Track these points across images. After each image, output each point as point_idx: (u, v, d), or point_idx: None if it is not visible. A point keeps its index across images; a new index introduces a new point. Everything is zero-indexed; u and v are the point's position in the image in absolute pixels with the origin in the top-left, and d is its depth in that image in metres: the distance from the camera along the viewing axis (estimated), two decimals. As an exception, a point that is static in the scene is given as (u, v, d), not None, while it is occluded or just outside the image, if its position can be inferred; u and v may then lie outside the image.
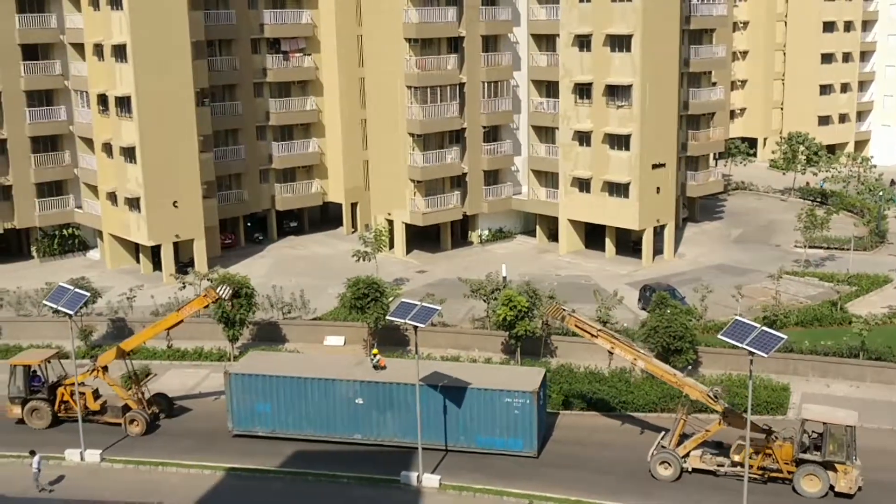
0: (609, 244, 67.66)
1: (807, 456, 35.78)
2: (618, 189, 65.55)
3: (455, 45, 67.65)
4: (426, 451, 38.82)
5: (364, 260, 60.21)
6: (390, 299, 49.24)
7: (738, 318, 35.19)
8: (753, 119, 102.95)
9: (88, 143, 66.87)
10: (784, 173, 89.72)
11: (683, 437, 38.02)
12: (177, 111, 61.96)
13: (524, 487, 37.13)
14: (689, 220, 76.72)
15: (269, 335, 52.60)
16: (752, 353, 32.91)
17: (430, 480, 37.26)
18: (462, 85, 67.75)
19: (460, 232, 72.15)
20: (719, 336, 34.71)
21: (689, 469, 37.49)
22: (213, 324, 50.68)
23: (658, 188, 65.58)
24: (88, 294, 42.03)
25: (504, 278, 55.56)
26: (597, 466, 38.58)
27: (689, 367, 45.93)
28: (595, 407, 43.47)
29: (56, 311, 41.27)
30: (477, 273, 57.42)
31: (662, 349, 44.90)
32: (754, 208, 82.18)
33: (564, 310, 39.65)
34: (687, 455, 37.43)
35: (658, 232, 67.05)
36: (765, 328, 33.45)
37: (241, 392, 41.14)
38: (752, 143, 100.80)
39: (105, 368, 42.46)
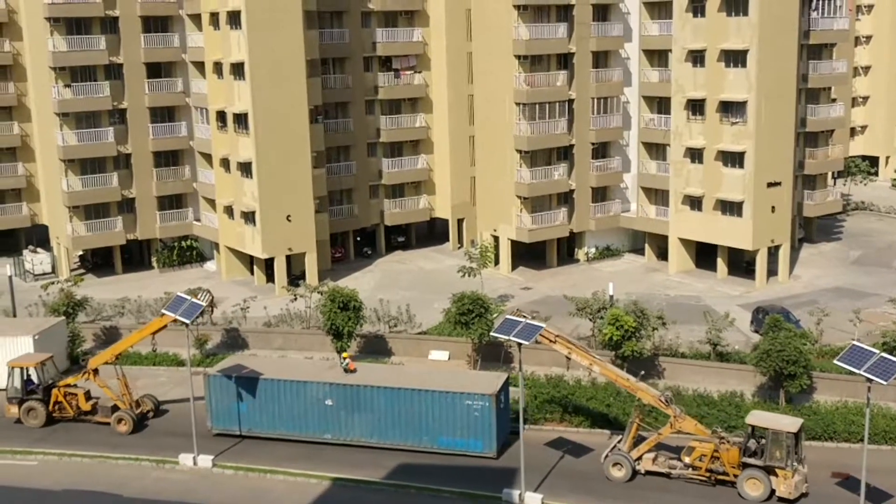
0: (721, 264, 66.19)
1: (750, 460, 36.87)
2: (731, 207, 64.14)
3: (565, 61, 67.52)
4: (398, 451, 40.77)
5: (469, 276, 60.44)
6: (495, 315, 49.28)
7: (855, 343, 34.09)
8: (875, 136, 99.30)
9: (207, 158, 69.26)
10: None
11: (643, 439, 38.93)
12: (292, 128, 63.63)
13: (628, 510, 36.70)
14: (805, 240, 74.42)
15: (376, 348, 53.32)
16: (869, 380, 31.95)
17: (533, 499, 37.05)
18: (571, 101, 67.51)
19: (566, 249, 71.72)
20: (835, 361, 34.08)
21: (643, 471, 38.59)
22: (323, 335, 51.69)
23: (773, 207, 63.88)
24: (204, 304, 43.34)
25: (611, 297, 55.00)
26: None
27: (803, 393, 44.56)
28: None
29: (174, 320, 42.72)
30: (583, 291, 56.96)
31: (775, 373, 43.61)
32: (875, 229, 79.17)
33: (525, 315, 39.58)
34: (640, 457, 38.49)
35: (772, 252, 65.26)
36: (884, 354, 32.47)
37: (219, 393, 42.88)
38: (873, 161, 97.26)
39: (96, 371, 44.25)
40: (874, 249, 73.19)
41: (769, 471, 36.50)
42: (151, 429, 44.69)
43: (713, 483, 37.80)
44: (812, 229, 75.51)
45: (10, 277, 60.33)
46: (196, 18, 67.56)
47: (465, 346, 50.80)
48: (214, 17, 65.12)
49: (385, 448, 41.54)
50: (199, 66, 68.20)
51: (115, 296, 61.22)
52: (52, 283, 60.96)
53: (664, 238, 68.71)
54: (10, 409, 45.19)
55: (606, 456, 38.91)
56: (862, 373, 32.03)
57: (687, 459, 38.11)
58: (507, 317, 38.46)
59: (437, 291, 61.51)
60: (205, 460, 40.83)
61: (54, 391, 44.99)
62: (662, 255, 69.40)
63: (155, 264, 71.81)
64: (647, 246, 70.84)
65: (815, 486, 37.63)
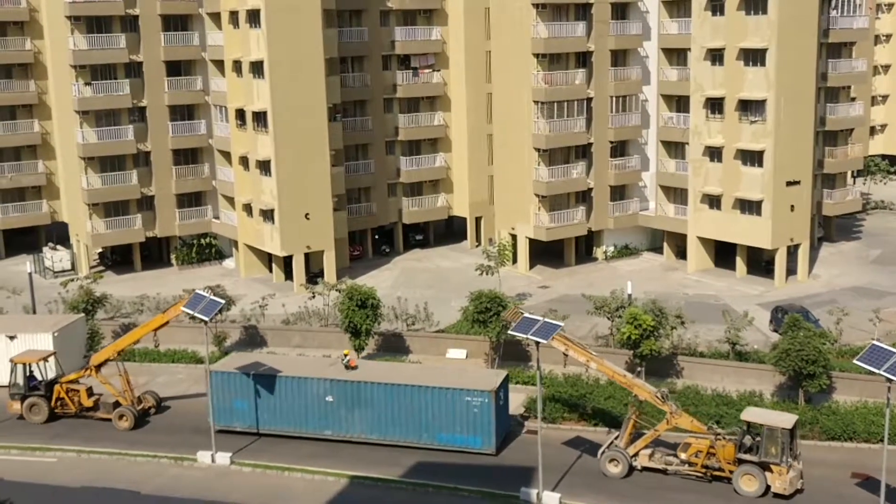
0: (740, 263, 65.92)
1: (745, 456, 37.08)
2: (750, 206, 63.87)
3: (583, 59, 67.38)
4: (396, 447, 40.96)
5: (487, 274, 60.45)
6: (513, 314, 49.18)
7: (875, 342, 33.94)
8: (895, 135, 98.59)
9: (226, 156, 69.54)
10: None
11: (639, 435, 39.24)
12: (310, 126, 63.78)
13: (646, 509, 36.68)
14: (824, 239, 74.02)
15: (393, 346, 53.43)
16: (889, 380, 31.80)
17: (551, 498, 37.06)
18: (589, 100, 67.39)
19: (585, 248, 71.60)
20: (855, 361, 33.95)
21: (640, 467, 38.84)
22: (341, 333, 51.84)
23: (792, 206, 63.57)
24: (223, 301, 43.51)
25: (629, 296, 54.93)
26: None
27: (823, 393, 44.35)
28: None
29: (192, 318, 43.00)
30: (601, 290, 56.85)
31: (794, 373, 43.42)
32: (894, 228, 78.63)
33: (522, 313, 39.57)
34: (637, 453, 38.70)
35: (792, 251, 64.94)
36: (904, 354, 32.21)
37: (220, 389, 43.08)
38: (893, 160, 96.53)
39: (98, 367, 44.49)
40: (894, 248, 72.67)
41: (764, 467, 36.62)
42: (170, 425, 44.96)
43: (709, 479, 37.93)
44: (831, 228, 75.10)
45: (30, 274, 60.75)
46: (216, 17, 67.86)
47: (483, 344, 50.84)
48: (234, 15, 65.39)
49: (385, 444, 41.67)
50: (219, 64, 68.48)
51: (134, 293, 61.66)
52: (72, 280, 61.42)
53: (683, 237, 68.49)
54: (13, 406, 45.50)
55: (603, 452, 39.07)
56: (882, 372, 31.89)
57: (683, 455, 38.34)
58: (526, 315, 38.48)
59: (454, 290, 61.57)
60: (223, 457, 41.02)
61: (56, 387, 45.25)
62: (681, 253, 69.18)
63: (174, 262, 72.18)
64: (665, 245, 70.62)
65: (835, 487, 37.62)
